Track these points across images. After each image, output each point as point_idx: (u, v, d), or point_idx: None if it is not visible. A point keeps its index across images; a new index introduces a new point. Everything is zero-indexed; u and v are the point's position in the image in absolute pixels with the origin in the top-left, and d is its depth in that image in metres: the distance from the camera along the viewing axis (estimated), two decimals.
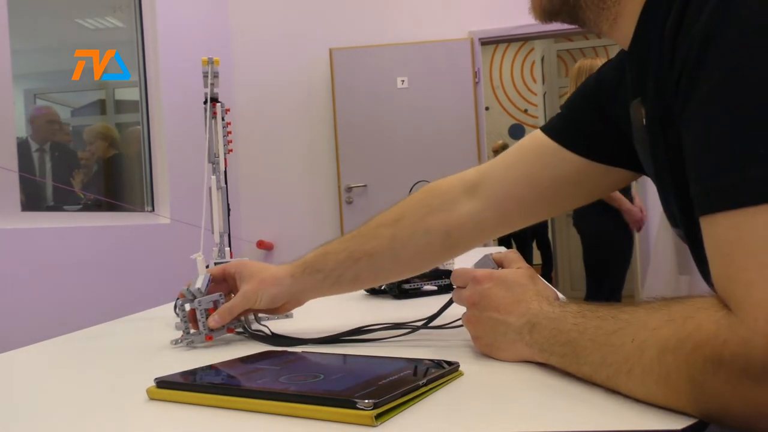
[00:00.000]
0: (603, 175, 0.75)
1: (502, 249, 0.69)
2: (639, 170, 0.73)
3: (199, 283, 0.77)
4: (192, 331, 0.76)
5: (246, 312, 0.81)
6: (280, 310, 0.84)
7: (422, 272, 0.89)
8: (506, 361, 0.59)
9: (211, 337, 0.74)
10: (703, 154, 0.45)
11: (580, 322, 0.50)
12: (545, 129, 0.78)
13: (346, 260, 0.81)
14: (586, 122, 0.75)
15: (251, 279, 0.80)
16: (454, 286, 0.67)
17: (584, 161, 0.75)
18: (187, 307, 0.76)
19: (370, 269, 0.81)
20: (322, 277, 0.81)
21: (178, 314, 0.76)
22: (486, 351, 0.62)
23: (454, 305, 0.69)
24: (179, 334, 0.77)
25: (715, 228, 0.43)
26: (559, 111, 0.80)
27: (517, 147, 0.81)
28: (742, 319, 0.39)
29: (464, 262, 0.86)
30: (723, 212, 0.42)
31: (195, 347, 0.75)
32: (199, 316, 0.75)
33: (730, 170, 0.42)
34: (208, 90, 0.92)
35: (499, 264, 0.66)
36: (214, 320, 0.77)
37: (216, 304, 0.77)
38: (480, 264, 0.68)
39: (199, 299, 0.75)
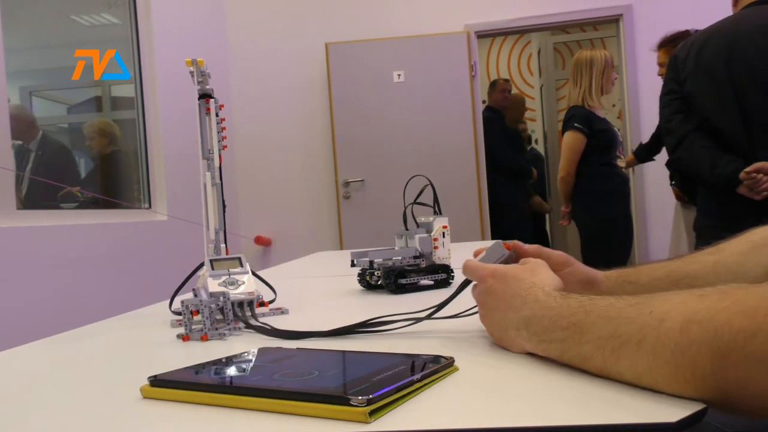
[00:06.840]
0: None
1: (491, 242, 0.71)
2: None
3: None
4: (194, 327, 0.79)
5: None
6: None
7: None
8: (517, 353, 0.59)
9: (206, 336, 0.77)
10: None
11: (587, 303, 0.50)
12: None
13: (664, 278, 0.76)
14: None
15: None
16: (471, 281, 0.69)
17: None
18: (191, 306, 0.80)
19: None
20: (632, 290, 0.76)
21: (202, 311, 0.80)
22: (501, 345, 0.62)
23: (460, 298, 0.71)
24: (177, 331, 0.82)
25: None
26: None
27: None
28: None
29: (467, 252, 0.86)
30: None
31: (207, 340, 0.78)
32: (204, 315, 0.78)
33: None
34: (198, 88, 0.92)
35: (509, 248, 0.69)
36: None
37: (222, 310, 0.80)
38: (490, 250, 0.70)
39: (205, 299, 0.80)
